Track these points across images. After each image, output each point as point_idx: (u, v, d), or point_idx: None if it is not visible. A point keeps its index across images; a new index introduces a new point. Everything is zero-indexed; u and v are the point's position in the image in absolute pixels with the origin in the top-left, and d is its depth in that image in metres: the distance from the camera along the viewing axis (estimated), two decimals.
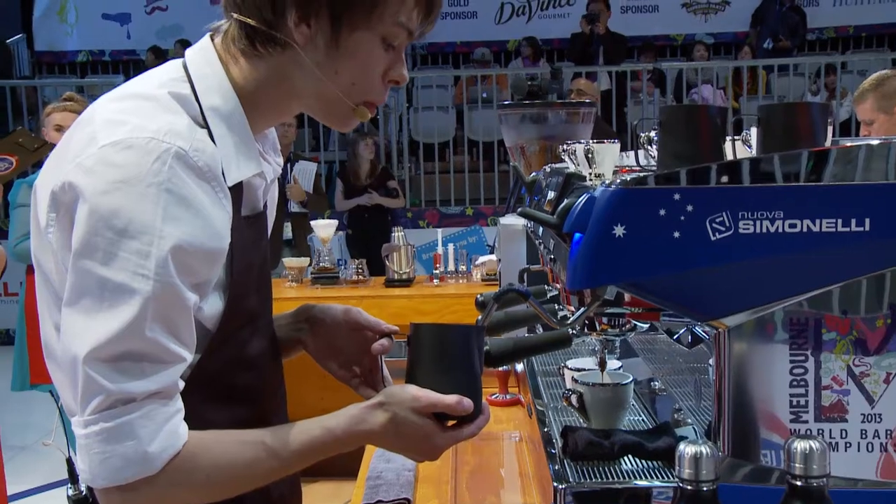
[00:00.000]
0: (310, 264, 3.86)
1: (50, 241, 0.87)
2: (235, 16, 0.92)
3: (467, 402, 0.92)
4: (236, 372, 0.96)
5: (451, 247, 3.91)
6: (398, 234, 3.79)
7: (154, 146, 0.83)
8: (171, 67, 0.94)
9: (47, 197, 0.86)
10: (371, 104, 0.96)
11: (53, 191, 0.85)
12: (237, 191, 0.91)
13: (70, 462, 0.97)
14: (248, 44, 0.92)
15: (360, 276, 3.80)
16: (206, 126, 0.89)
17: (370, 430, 0.91)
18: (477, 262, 3.77)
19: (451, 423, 0.93)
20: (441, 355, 0.94)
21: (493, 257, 3.63)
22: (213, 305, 0.91)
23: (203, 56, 0.94)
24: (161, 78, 0.92)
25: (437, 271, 3.82)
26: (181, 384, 0.86)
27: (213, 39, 0.95)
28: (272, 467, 0.90)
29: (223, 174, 0.88)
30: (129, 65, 9.44)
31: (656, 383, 1.42)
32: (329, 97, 0.93)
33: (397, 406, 0.91)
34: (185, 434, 0.85)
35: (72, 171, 0.84)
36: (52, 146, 2.05)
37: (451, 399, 0.91)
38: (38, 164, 3.63)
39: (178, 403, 0.86)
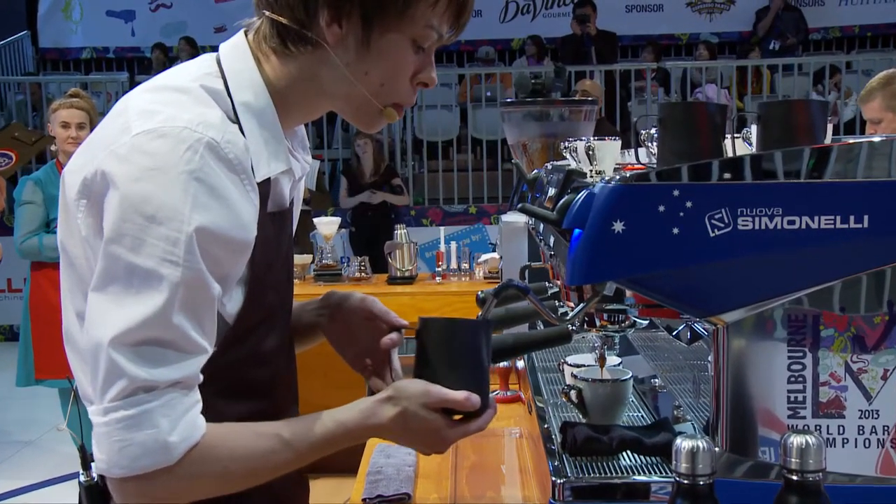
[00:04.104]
0: (312, 261, 3.87)
1: (79, 228, 0.87)
2: (267, 13, 0.92)
3: (475, 399, 0.93)
4: (251, 367, 0.96)
5: (453, 244, 3.91)
6: (401, 232, 3.79)
7: (187, 135, 0.84)
8: (205, 62, 0.95)
9: (78, 184, 0.87)
10: (399, 106, 0.96)
11: (85, 177, 0.86)
12: (264, 187, 0.92)
13: (83, 449, 0.98)
14: (279, 42, 0.92)
15: (363, 274, 3.81)
16: (237, 121, 0.90)
17: (380, 423, 0.92)
18: (479, 260, 3.78)
19: (457, 416, 0.94)
20: (449, 349, 0.95)
21: (496, 255, 3.63)
22: (235, 301, 0.91)
23: (236, 52, 0.94)
24: (194, 72, 0.93)
25: (440, 269, 3.83)
26: (200, 377, 0.87)
27: (246, 35, 0.96)
28: (287, 459, 0.90)
29: (252, 169, 0.89)
30: (133, 62, 9.45)
31: (656, 380, 1.43)
32: (358, 98, 0.94)
33: (406, 401, 0.92)
34: (203, 426, 0.86)
35: (105, 159, 0.84)
36: (51, 138, 2.06)
37: (460, 395, 0.92)
38: (42, 160, 3.65)
39: (197, 395, 0.86)
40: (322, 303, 1.13)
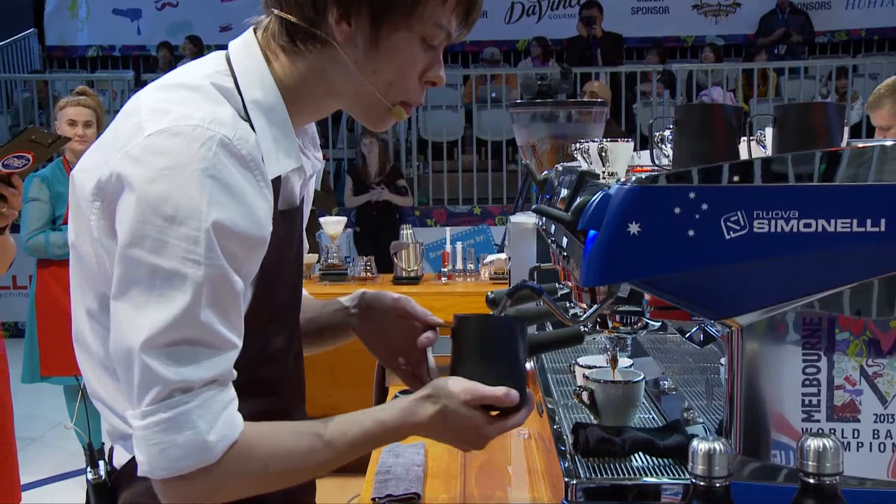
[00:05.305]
0: (318, 261, 3.88)
1: (91, 229, 0.88)
2: (276, 12, 0.92)
3: (514, 394, 0.93)
4: (260, 365, 0.96)
5: (458, 245, 3.91)
6: (407, 232, 3.80)
7: (200, 133, 0.84)
8: (214, 60, 0.95)
9: (91, 185, 0.87)
10: (407, 104, 0.96)
11: (100, 179, 0.86)
12: (275, 184, 0.92)
13: (91, 447, 0.98)
14: (288, 40, 0.92)
15: (369, 273, 3.81)
16: (247, 119, 0.90)
17: (419, 422, 0.92)
18: (486, 261, 3.78)
19: (494, 413, 0.94)
20: (486, 346, 0.95)
21: (502, 256, 3.63)
22: (245, 299, 0.91)
23: (245, 50, 0.95)
24: (204, 70, 0.93)
25: (446, 269, 3.83)
26: (234, 373, 0.87)
27: (255, 33, 0.96)
28: (326, 458, 0.90)
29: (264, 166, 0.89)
30: (139, 60, 9.46)
31: (666, 382, 1.43)
32: (366, 96, 0.94)
33: (446, 399, 0.92)
34: (241, 423, 0.86)
35: (119, 161, 0.85)
36: (67, 139, 2.08)
37: (500, 391, 0.92)
38: (49, 159, 3.66)
39: (233, 392, 0.86)
40: (353, 302, 1.14)
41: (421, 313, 1.09)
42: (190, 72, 0.93)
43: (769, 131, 1.07)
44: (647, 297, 1.04)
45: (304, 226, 1.08)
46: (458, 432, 0.93)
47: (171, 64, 7.71)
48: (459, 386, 0.92)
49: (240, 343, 0.87)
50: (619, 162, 1.27)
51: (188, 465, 0.83)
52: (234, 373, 0.87)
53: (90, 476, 0.98)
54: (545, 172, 1.69)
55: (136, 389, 0.83)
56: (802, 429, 0.94)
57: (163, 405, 0.82)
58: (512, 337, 0.96)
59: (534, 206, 1.09)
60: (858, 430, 0.94)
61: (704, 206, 0.90)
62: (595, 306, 1.06)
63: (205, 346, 0.83)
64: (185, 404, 0.82)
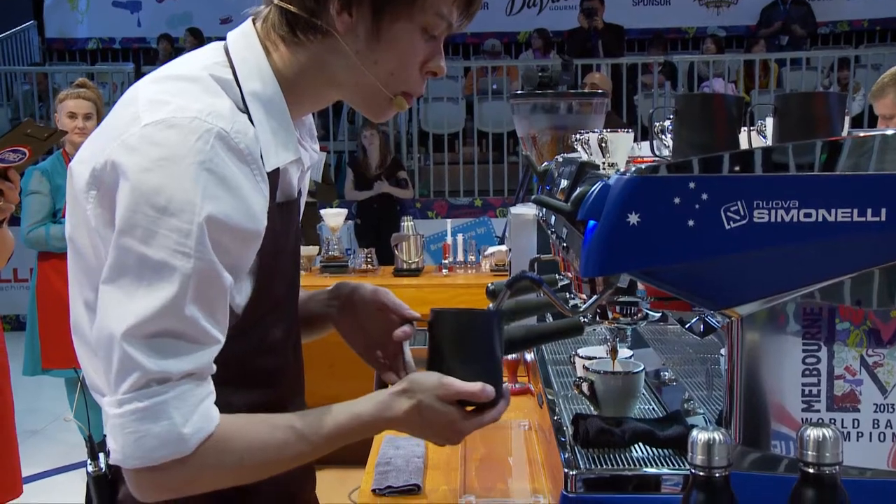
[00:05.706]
0: (319, 253, 3.88)
1: (88, 219, 0.87)
2: (276, 2, 0.92)
3: (490, 390, 0.93)
4: (258, 357, 0.96)
5: (459, 237, 3.91)
6: (408, 224, 3.80)
7: (197, 126, 0.83)
8: (213, 51, 0.94)
9: (87, 175, 0.87)
10: (408, 95, 0.96)
11: (95, 168, 0.85)
12: (273, 177, 0.91)
13: (91, 439, 0.98)
14: (288, 31, 0.92)
15: (369, 265, 3.81)
16: (246, 111, 0.90)
17: (395, 416, 0.92)
18: (486, 253, 3.78)
19: (469, 408, 0.94)
20: (462, 340, 0.95)
21: (503, 248, 3.63)
22: (244, 292, 0.91)
23: (244, 40, 0.94)
24: (203, 61, 0.92)
25: (447, 261, 3.83)
26: (214, 367, 0.87)
27: (254, 24, 0.95)
28: (301, 451, 0.91)
29: (262, 159, 0.89)
30: (139, 53, 9.45)
31: (667, 373, 1.43)
32: (367, 87, 0.94)
33: (422, 393, 0.92)
34: (216, 417, 0.86)
35: (115, 149, 0.84)
36: (63, 133, 2.08)
37: (475, 387, 0.92)
38: (49, 152, 3.67)
39: (211, 386, 0.87)
40: (332, 293, 1.13)
41: (398, 306, 1.08)
42: (188, 63, 0.93)
43: (770, 121, 1.06)
44: (642, 287, 1.03)
45: (300, 218, 1.07)
46: (433, 427, 0.93)
47: (172, 56, 7.59)
48: (434, 380, 0.92)
49: (223, 339, 0.87)
50: (620, 152, 1.27)
51: (162, 456, 0.83)
52: (214, 367, 0.87)
53: (90, 468, 0.98)
54: (545, 163, 1.69)
55: (114, 376, 0.82)
56: (802, 419, 0.94)
57: (139, 394, 0.82)
58: (488, 332, 0.95)
59: (533, 197, 1.09)
60: (858, 420, 0.94)
61: (704, 196, 0.89)
62: (594, 297, 1.05)
63: (187, 340, 0.83)
64: (162, 395, 0.82)
